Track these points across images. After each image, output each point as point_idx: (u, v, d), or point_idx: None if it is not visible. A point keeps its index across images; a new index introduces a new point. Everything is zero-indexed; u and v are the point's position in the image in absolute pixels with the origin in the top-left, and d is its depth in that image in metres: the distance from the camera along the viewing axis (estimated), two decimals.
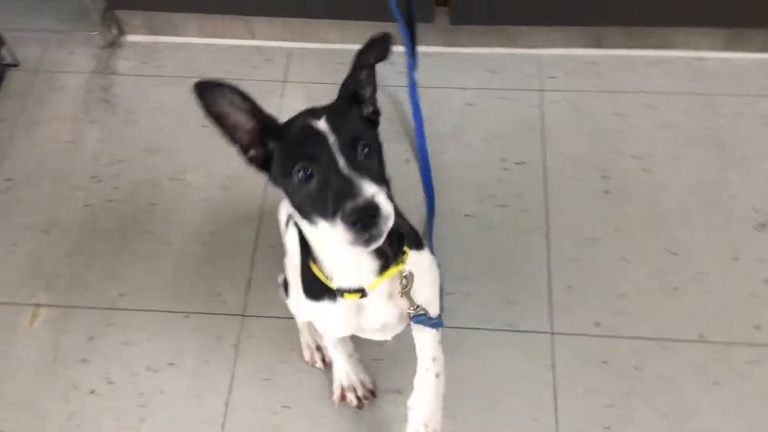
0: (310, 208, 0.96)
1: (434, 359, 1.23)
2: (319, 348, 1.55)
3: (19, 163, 1.87)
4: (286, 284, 1.46)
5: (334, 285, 1.10)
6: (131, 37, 2.09)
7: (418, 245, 1.19)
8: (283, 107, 1.90)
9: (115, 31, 2.07)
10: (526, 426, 1.47)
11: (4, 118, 1.95)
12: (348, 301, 1.12)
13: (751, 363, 1.51)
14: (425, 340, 1.23)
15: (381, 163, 1.01)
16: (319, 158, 0.94)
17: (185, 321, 1.62)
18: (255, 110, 0.98)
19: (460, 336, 1.56)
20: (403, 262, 1.10)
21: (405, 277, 1.11)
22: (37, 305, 1.66)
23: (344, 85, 1.02)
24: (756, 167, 1.76)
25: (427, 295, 1.17)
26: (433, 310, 1.19)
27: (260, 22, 2.00)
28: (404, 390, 1.50)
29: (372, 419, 1.49)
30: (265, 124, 0.99)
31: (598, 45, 1.95)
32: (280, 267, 1.64)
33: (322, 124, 0.95)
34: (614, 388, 1.50)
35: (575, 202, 1.73)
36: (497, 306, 1.60)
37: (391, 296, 1.14)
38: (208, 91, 0.95)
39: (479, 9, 1.84)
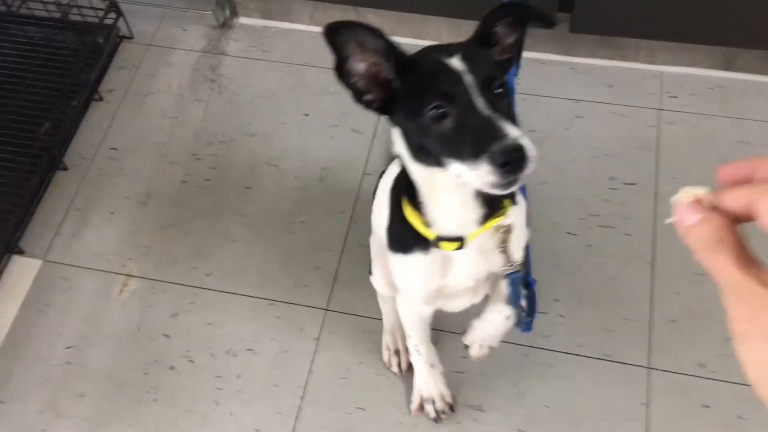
0: (441, 148, 0.90)
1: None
2: (397, 352, 1.50)
3: (123, 133, 1.90)
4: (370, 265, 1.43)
5: (433, 233, 1.05)
6: (243, 20, 2.09)
7: (513, 198, 1.13)
8: None
9: (228, 12, 2.08)
10: None
11: (113, 88, 1.99)
12: (440, 254, 1.08)
13: None
14: (505, 286, 1.20)
15: (512, 106, 0.96)
16: (456, 98, 0.88)
17: (269, 308, 1.60)
18: (389, 47, 0.91)
19: (551, 358, 1.48)
20: (503, 214, 1.05)
21: (506, 231, 1.06)
22: (128, 276, 1.67)
23: (480, 25, 0.95)
24: None
25: (517, 252, 1.12)
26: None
27: (372, 14, 1.96)
28: (486, 407, 1.45)
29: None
30: (398, 61, 0.92)
31: (729, 67, 1.83)
32: (368, 265, 1.60)
33: (456, 62, 0.89)
34: None
35: None
36: (593, 332, 1.51)
37: (482, 251, 1.08)
38: (341, 34, 0.88)
39: (602, 18, 1.74)
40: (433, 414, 1.44)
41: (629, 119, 1.80)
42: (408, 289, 1.21)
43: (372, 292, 1.53)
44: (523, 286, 1.46)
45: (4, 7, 1.98)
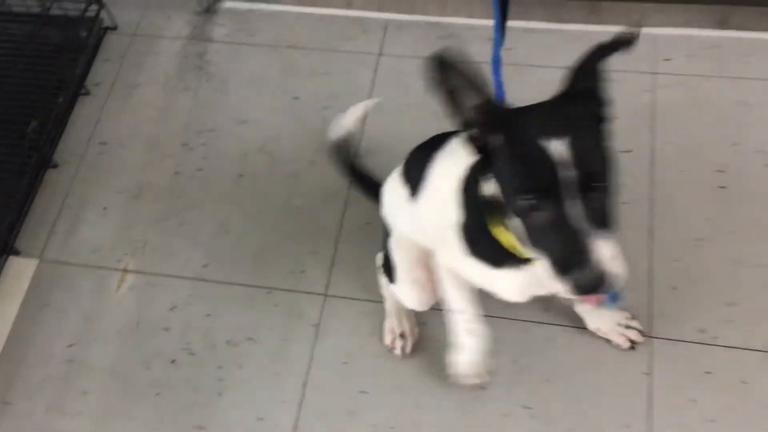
0: (531, 236, 0.90)
1: None
2: (402, 335, 1.49)
3: (113, 127, 1.88)
4: (388, 267, 1.40)
5: (527, 254, 1.02)
6: (227, 4, 2.05)
7: None
8: (376, 83, 1.83)
9: None
10: None
11: (100, 81, 1.96)
12: (533, 268, 1.04)
13: None
14: None
15: (611, 193, 0.89)
16: (547, 197, 0.84)
17: (267, 296, 1.59)
18: (496, 108, 0.90)
19: (552, 332, 1.48)
20: None
21: None
22: (124, 271, 1.67)
23: (577, 78, 0.91)
24: None
25: None
26: None
27: None
28: (487, 383, 1.44)
29: (455, 410, 1.43)
30: (491, 113, 0.89)
31: (723, 26, 1.79)
32: (367, 248, 1.59)
33: (555, 150, 0.83)
34: (717, 402, 1.38)
35: (685, 197, 1.60)
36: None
37: None
38: (440, 69, 0.86)
39: None
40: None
41: (623, 84, 1.75)
42: (500, 292, 1.17)
43: (370, 276, 1.53)
44: None
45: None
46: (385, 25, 1.94)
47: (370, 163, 1.61)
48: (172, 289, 1.63)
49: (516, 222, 0.92)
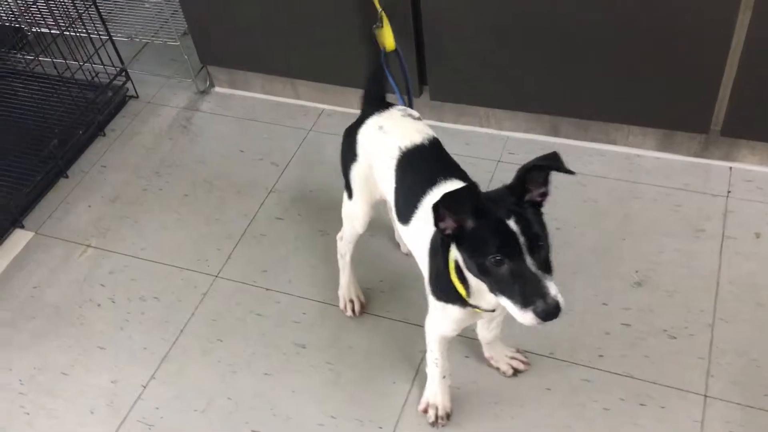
0: (496, 286, 1.21)
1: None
2: (351, 301, 1.97)
3: (113, 157, 2.62)
4: (350, 188, 1.76)
5: (472, 301, 1.40)
6: (218, 88, 2.83)
7: None
8: (299, 150, 2.50)
9: (207, 83, 2.82)
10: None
11: (116, 129, 2.73)
12: (471, 309, 1.43)
13: (583, 380, 1.79)
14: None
15: (549, 248, 1.22)
16: (512, 254, 1.17)
17: (177, 272, 2.19)
18: (477, 202, 1.19)
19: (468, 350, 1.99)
20: None
21: None
22: (87, 246, 2.31)
23: (517, 178, 1.26)
24: (650, 240, 2.06)
25: None
26: None
27: (304, 85, 2.65)
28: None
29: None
30: (476, 209, 1.20)
31: (555, 134, 2.38)
32: (255, 256, 2.17)
33: (513, 225, 1.17)
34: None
35: None
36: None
37: None
38: (452, 202, 1.18)
39: (451, 90, 2.35)
40: (432, 419, 1.73)
41: (474, 166, 2.35)
42: (443, 324, 1.54)
43: (255, 266, 2.10)
44: None
45: (57, 76, 2.77)
46: (321, 112, 2.64)
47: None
48: (115, 261, 2.26)
49: (472, 279, 1.31)
